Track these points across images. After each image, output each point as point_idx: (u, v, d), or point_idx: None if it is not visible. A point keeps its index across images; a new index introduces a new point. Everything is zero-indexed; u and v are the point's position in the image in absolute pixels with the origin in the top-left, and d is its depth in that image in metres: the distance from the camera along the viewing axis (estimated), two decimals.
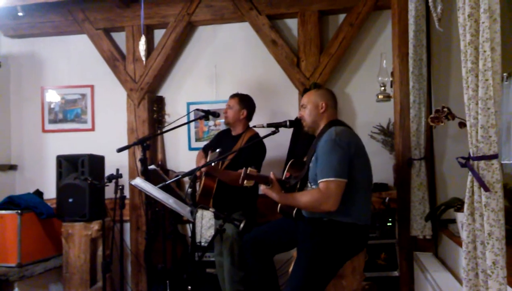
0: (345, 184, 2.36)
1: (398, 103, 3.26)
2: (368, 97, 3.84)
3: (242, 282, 3.29)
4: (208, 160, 3.23)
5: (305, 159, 2.77)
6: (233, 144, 3.38)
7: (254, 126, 3.13)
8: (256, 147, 3.22)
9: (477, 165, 1.47)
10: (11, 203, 3.75)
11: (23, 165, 4.59)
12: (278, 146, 3.94)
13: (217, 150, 3.16)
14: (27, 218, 3.69)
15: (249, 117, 3.48)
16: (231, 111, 3.42)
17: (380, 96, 3.41)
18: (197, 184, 3.33)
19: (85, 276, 3.79)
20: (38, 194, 4.08)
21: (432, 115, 2.47)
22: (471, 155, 1.50)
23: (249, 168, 2.40)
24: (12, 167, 4.55)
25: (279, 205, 2.67)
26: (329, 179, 2.34)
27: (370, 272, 3.32)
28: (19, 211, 3.64)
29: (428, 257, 2.94)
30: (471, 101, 1.48)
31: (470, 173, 1.49)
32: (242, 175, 2.37)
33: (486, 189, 1.43)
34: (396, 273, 3.39)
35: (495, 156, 1.44)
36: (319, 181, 2.37)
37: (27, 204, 3.76)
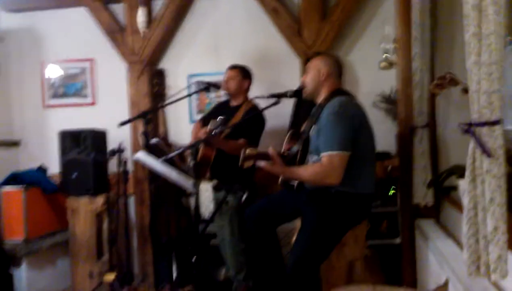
0: (348, 156, 2.34)
1: (402, 70, 3.22)
2: (371, 65, 3.80)
3: (243, 253, 3.32)
4: (209, 128, 3.21)
5: (302, 128, 2.75)
6: (231, 114, 3.38)
7: (256, 97, 3.11)
8: (256, 119, 3.21)
9: (480, 131, 1.45)
10: (15, 179, 3.78)
11: (26, 141, 4.59)
12: (279, 116, 3.91)
13: (219, 118, 3.13)
14: (32, 193, 3.73)
15: (248, 88, 3.48)
16: (233, 82, 3.42)
17: (383, 64, 3.37)
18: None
19: (92, 249, 3.84)
20: (42, 169, 4.11)
21: (435, 82, 2.44)
22: (474, 121, 1.48)
23: (247, 149, 2.39)
24: (15, 143, 4.56)
25: (280, 178, 2.67)
26: (332, 152, 2.32)
27: (372, 240, 3.35)
28: (24, 186, 3.66)
29: (430, 224, 2.96)
30: (474, 67, 1.45)
31: (472, 139, 1.48)
32: (241, 156, 2.38)
33: (488, 155, 1.42)
34: (398, 241, 3.42)
35: (498, 122, 1.42)
36: (321, 154, 2.36)
37: (31, 180, 3.79)
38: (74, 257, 3.87)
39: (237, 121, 3.29)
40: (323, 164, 2.34)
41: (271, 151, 2.47)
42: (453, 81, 2.33)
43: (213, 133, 3.04)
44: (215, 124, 3.15)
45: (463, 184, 1.62)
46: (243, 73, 3.47)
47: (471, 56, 1.45)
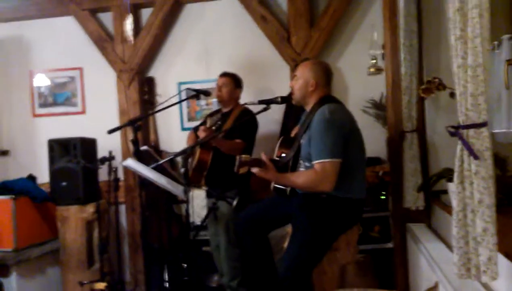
0: (340, 163, 2.36)
1: (390, 76, 3.25)
2: (360, 71, 3.81)
3: (238, 259, 3.32)
4: (208, 125, 3.22)
5: (292, 134, 2.76)
6: (224, 120, 3.40)
7: (245, 103, 3.12)
8: (249, 121, 3.24)
9: (467, 133, 1.46)
10: (4, 188, 3.73)
11: (15, 150, 4.56)
12: (270, 122, 3.94)
13: (216, 114, 3.17)
14: (22, 203, 3.68)
15: (239, 96, 3.55)
16: (226, 90, 3.45)
17: (372, 70, 3.40)
18: (191, 161, 3.33)
19: (82, 258, 3.80)
20: (31, 178, 4.06)
21: (423, 87, 2.46)
22: (461, 124, 1.49)
23: (242, 155, 2.41)
24: (4, 152, 4.52)
25: (272, 183, 2.67)
26: (325, 159, 2.34)
27: (364, 245, 3.35)
28: (13, 196, 3.62)
29: (421, 228, 2.97)
30: (460, 69, 1.46)
31: (459, 142, 1.49)
32: (236, 163, 2.39)
33: (476, 157, 1.43)
34: (390, 245, 3.43)
35: (484, 124, 1.43)
36: (314, 162, 2.37)
37: (21, 189, 3.75)
38: (64, 266, 3.82)
39: (230, 125, 3.31)
40: (316, 171, 2.35)
41: (264, 157, 2.47)
42: (441, 86, 2.36)
43: (213, 128, 3.07)
44: (213, 121, 3.19)
45: (452, 186, 1.63)
46: (235, 82, 3.50)
47: (457, 59, 1.46)
